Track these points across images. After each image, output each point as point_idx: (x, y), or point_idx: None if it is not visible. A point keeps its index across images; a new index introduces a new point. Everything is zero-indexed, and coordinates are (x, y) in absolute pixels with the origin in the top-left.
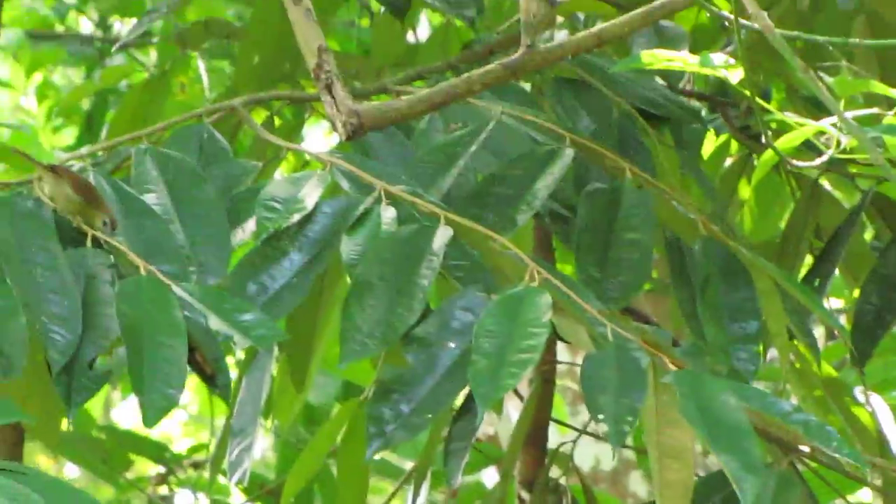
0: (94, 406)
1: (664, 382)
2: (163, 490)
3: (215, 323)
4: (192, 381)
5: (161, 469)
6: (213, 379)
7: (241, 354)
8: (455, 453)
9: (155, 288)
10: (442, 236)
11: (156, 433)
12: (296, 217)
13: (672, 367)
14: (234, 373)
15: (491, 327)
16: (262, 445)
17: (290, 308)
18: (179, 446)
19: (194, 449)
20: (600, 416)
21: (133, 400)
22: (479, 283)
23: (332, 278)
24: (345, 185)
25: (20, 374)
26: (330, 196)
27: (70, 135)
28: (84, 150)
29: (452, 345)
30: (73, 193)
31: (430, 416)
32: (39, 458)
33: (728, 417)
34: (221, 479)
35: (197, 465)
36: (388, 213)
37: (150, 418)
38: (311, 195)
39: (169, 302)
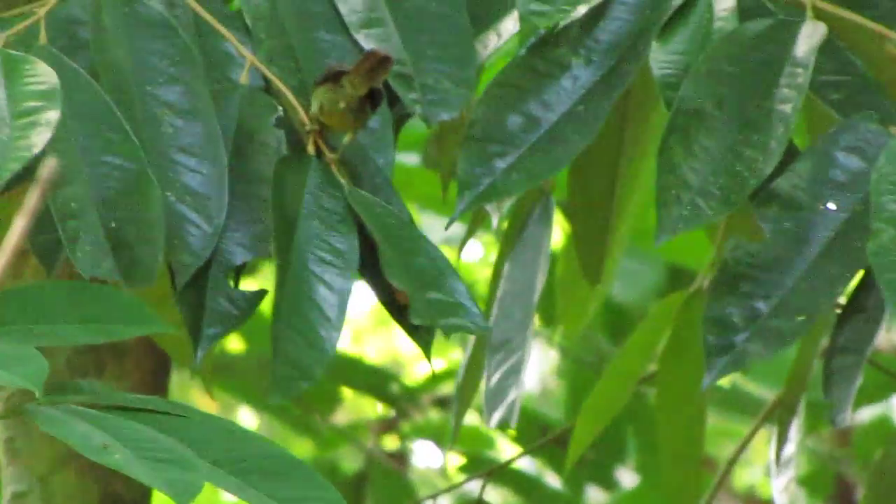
0: None
1: None
2: (391, 442)
3: None
4: None
5: (388, 409)
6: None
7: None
8: (841, 374)
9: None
10: (810, 36)
11: (378, 352)
12: (580, 10)
13: None
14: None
15: None
16: (540, 368)
17: (575, 151)
18: (418, 372)
19: (437, 377)
20: None
21: None
22: (869, 109)
23: (640, 106)
24: None
25: (153, 279)
26: None
27: None
28: None
29: (832, 206)
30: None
31: (803, 317)
32: (197, 398)
33: None
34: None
35: (444, 403)
36: (724, 2)
37: None
38: None
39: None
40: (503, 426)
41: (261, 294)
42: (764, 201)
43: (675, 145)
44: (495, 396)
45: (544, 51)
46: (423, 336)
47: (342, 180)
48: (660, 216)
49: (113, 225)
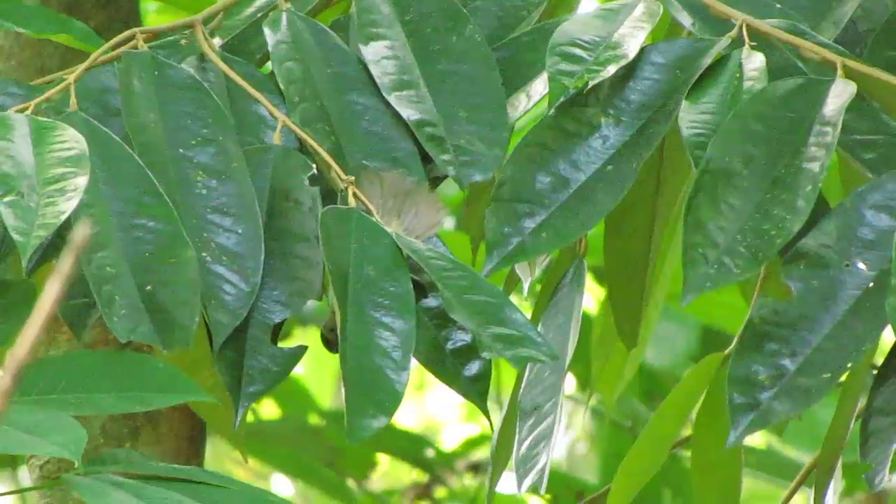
0: (314, 377)
1: None
2: None
3: None
4: None
5: (422, 475)
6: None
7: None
8: (878, 436)
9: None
10: (839, 95)
11: (414, 418)
12: (609, 70)
13: None
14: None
15: None
16: (573, 432)
17: (603, 212)
18: (451, 437)
19: (472, 442)
20: None
21: None
22: None
23: (675, 169)
24: (685, 19)
25: (189, 342)
26: (663, 37)
27: None
28: None
29: (861, 265)
30: None
31: (829, 375)
32: (230, 465)
33: None
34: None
35: (478, 468)
36: (754, 62)
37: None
38: (632, 36)
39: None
40: (534, 489)
41: (300, 351)
42: (791, 260)
43: (702, 204)
44: (526, 462)
45: (573, 111)
46: (476, 390)
47: (388, 229)
48: (686, 275)
49: (148, 288)
